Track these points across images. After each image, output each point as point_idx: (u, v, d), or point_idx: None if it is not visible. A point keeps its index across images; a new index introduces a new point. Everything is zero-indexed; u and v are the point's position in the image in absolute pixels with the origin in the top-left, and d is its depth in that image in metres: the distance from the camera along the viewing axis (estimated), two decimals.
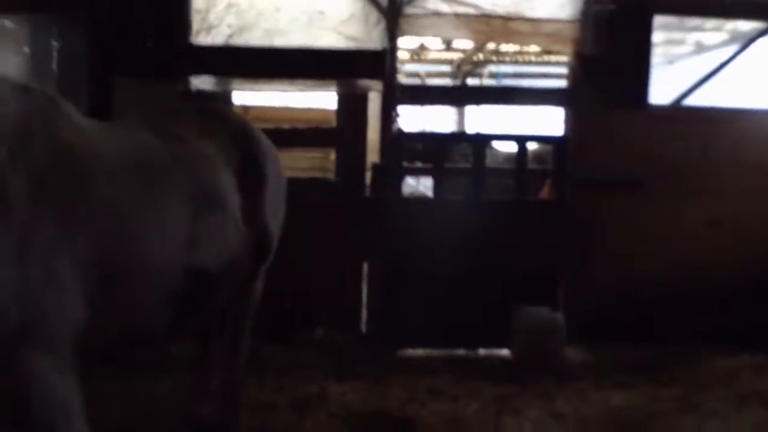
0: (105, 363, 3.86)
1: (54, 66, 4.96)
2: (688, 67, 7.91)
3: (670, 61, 8.52)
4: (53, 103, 2.40)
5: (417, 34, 5.88)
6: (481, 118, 9.88)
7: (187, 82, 4.98)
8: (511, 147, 6.05)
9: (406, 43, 7.70)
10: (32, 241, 2.11)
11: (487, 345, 5.13)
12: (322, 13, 5.11)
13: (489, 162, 6.29)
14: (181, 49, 4.95)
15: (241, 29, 5.03)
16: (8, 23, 5.34)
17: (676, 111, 5.77)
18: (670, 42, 7.99)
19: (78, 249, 2.25)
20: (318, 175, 6.05)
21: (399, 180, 5.35)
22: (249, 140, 3.23)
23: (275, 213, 3.35)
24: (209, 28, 4.99)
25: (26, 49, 5.27)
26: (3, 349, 2.05)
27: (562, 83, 7.90)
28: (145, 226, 2.53)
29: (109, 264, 2.36)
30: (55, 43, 5.03)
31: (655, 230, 5.26)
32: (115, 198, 2.43)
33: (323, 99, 6.26)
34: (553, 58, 9.08)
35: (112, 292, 2.39)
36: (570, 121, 5.55)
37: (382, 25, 5.17)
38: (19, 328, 2.07)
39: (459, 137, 7.40)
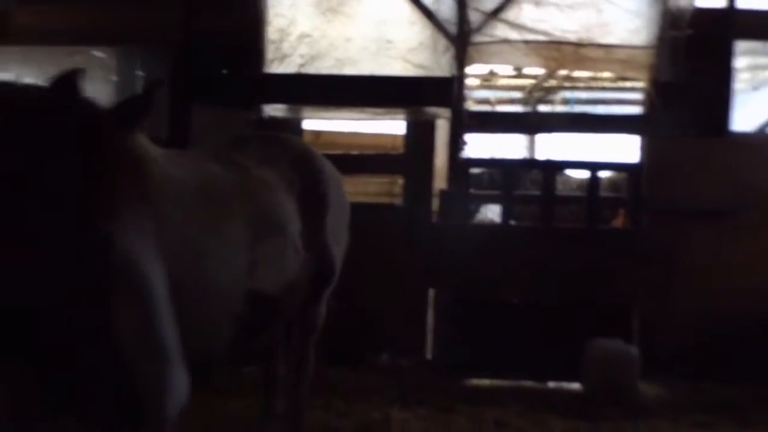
0: None
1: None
2: None
3: (756, 87, 8.16)
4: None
5: (486, 61, 5.87)
6: (552, 145, 9.71)
7: (260, 110, 5.15)
8: (584, 174, 5.93)
9: (475, 70, 7.68)
10: None
11: (557, 377, 4.98)
12: (390, 42, 5.19)
13: (561, 189, 6.18)
14: (255, 78, 5.14)
15: (313, 58, 5.17)
16: (98, 54, 5.72)
17: (762, 138, 5.50)
18: (756, 67, 7.65)
19: None
20: (386, 200, 6.09)
21: (465, 206, 5.32)
22: (310, 166, 3.29)
23: (338, 238, 3.38)
24: (282, 58, 5.15)
25: (114, 78, 5.64)
26: None
27: (638, 109, 7.69)
28: (210, 250, 2.61)
29: (176, 286, 2.44)
30: (139, 73, 5.36)
31: (740, 262, 5.00)
32: (183, 224, 2.52)
33: (393, 125, 6.31)
34: (628, 83, 8.85)
35: (179, 313, 2.47)
36: (646, 149, 5.39)
37: (451, 53, 5.20)
38: None
39: (528, 164, 7.30)
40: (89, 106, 1.80)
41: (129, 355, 1.50)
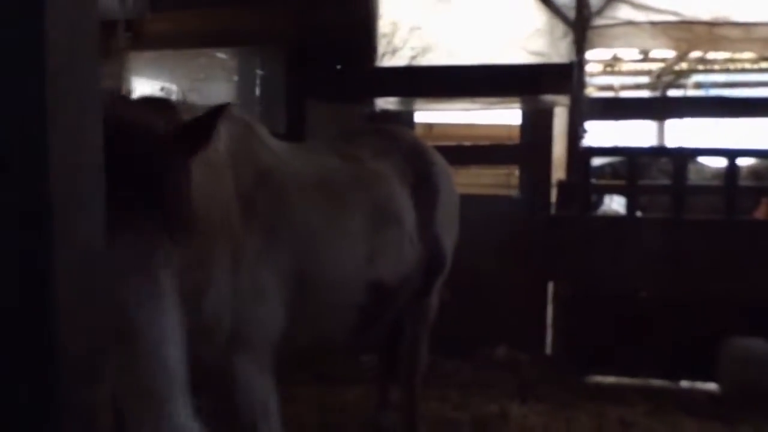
0: (299, 369, 4.12)
1: (258, 92, 5.51)
2: None
3: None
4: (251, 129, 2.63)
5: (608, 45, 5.57)
6: (685, 132, 9.08)
7: (373, 103, 5.21)
8: (721, 162, 5.49)
9: (597, 55, 7.35)
10: (243, 257, 2.29)
11: (689, 377, 4.65)
12: (504, 29, 5.07)
13: (694, 178, 5.75)
14: (367, 72, 5.20)
15: (424, 50, 5.16)
16: (221, 55, 6.05)
17: None
18: None
19: (278, 262, 2.43)
20: (502, 192, 5.95)
21: (586, 197, 5.09)
22: (422, 158, 3.30)
23: (448, 229, 3.36)
24: (394, 51, 5.19)
25: (235, 78, 5.94)
26: (217, 353, 2.24)
27: None
28: (333, 241, 2.68)
29: (302, 276, 2.52)
30: (259, 72, 5.59)
31: None
32: (308, 215, 2.60)
33: (508, 115, 6.17)
34: None
35: (305, 302, 2.55)
36: None
37: (569, 38, 5.00)
38: (230, 335, 2.26)
39: (655, 151, 6.85)
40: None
41: (118, 394, 1.41)
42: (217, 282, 2.19)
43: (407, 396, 3.52)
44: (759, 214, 5.61)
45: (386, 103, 5.23)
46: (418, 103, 5.38)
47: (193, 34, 5.13)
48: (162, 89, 5.46)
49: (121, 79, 4.39)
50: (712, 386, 4.49)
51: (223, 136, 2.37)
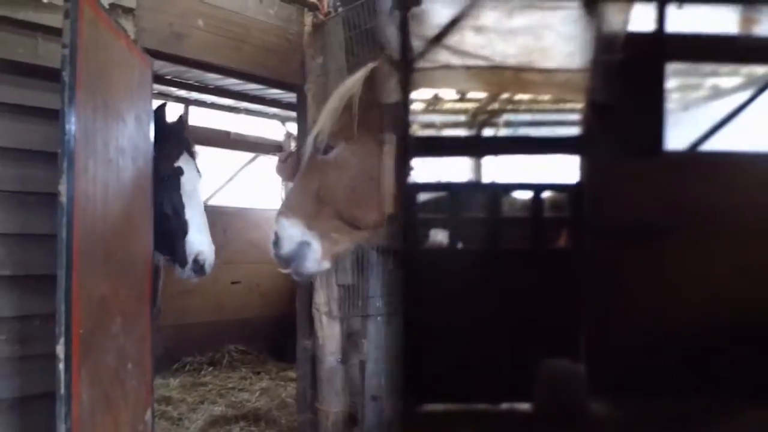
0: None
1: None
2: (705, 112, 7.79)
3: (686, 106, 8.42)
4: None
5: (429, 86, 5.93)
6: (500, 167, 9.79)
7: None
8: (528, 195, 6.00)
9: (420, 94, 7.74)
10: None
11: (509, 399, 4.98)
12: None
13: (507, 211, 6.22)
14: None
15: None
16: None
17: (695, 156, 5.67)
18: (686, 87, 7.91)
19: None
20: None
21: (415, 231, 5.32)
22: None
23: None
24: None
25: None
26: None
27: (577, 131, 7.83)
28: None
29: None
30: None
31: (680, 278, 5.10)
32: None
33: None
34: (569, 105, 9.04)
35: None
36: (583, 169, 5.50)
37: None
38: None
39: (473, 186, 7.35)
40: None
41: None
42: None
43: None
44: (561, 243, 6.17)
45: None
46: None
47: None
48: None
49: None
50: (527, 406, 4.85)
51: None
